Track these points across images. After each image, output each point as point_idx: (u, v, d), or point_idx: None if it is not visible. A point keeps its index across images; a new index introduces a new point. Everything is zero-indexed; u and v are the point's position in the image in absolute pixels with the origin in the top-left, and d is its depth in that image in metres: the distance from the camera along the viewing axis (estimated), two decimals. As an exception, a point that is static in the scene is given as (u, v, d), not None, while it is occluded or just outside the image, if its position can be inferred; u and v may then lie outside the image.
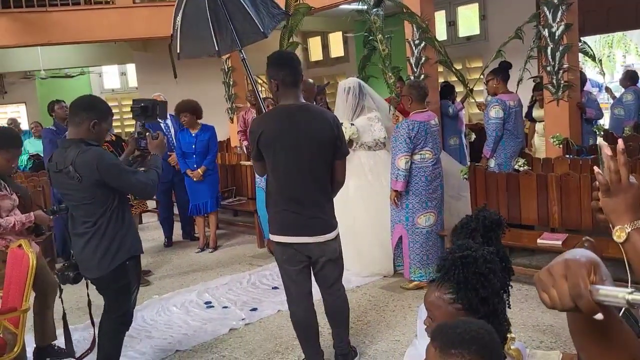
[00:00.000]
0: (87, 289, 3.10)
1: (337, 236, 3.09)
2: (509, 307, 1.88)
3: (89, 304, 3.17)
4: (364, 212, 4.90)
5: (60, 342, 4.06)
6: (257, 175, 5.29)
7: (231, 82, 9.26)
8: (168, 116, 6.18)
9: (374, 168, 5.04)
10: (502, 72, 5.30)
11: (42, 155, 7.05)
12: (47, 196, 6.00)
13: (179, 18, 3.65)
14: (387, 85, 5.41)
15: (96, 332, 3.15)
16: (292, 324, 3.18)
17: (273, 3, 3.81)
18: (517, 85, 5.54)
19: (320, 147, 2.91)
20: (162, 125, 6.16)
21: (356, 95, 5.04)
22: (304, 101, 3.05)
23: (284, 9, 3.85)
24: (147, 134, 3.17)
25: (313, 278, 3.15)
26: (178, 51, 3.71)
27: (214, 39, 3.62)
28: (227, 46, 3.75)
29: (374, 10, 5.33)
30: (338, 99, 5.21)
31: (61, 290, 3.14)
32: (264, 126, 2.91)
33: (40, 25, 8.98)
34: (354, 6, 5.53)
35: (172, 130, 6.07)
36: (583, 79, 6.38)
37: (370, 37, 5.40)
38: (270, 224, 3.07)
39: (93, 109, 2.88)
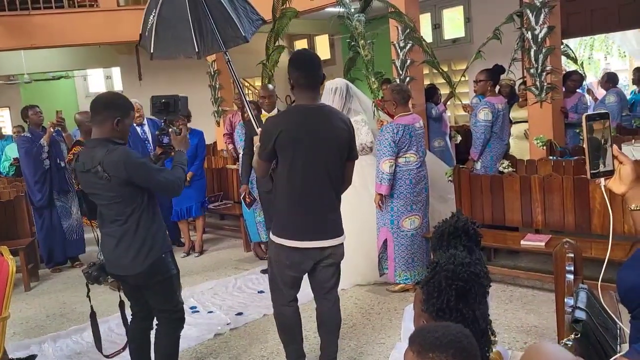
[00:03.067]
0: (120, 290, 3.07)
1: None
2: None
3: (122, 304, 3.13)
4: (349, 221, 4.71)
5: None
6: (253, 181, 5.22)
7: (217, 86, 9.24)
8: (145, 120, 6.08)
9: (360, 174, 4.84)
10: (494, 75, 5.33)
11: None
12: (28, 203, 5.94)
13: (152, 17, 3.58)
14: (370, 90, 5.41)
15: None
16: (279, 325, 3.12)
17: (252, 8, 3.77)
18: (498, 88, 5.57)
19: (337, 148, 2.90)
20: (138, 129, 6.04)
21: (343, 96, 4.99)
22: (321, 102, 3.01)
23: (262, 16, 3.83)
24: (169, 130, 3.12)
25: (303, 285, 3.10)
26: (151, 51, 3.65)
27: (194, 40, 3.57)
28: (208, 48, 3.71)
29: (356, 15, 5.33)
30: (324, 100, 5.14)
31: (88, 289, 3.05)
32: (284, 125, 2.85)
33: (24, 29, 8.90)
34: (340, 9, 5.52)
35: (149, 136, 5.97)
36: (579, 80, 6.42)
37: (353, 43, 5.41)
38: (280, 227, 2.96)
39: (115, 106, 2.82)
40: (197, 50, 3.59)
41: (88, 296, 3.07)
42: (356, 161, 4.96)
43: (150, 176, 2.80)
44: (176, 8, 3.56)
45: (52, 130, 5.85)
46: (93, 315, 3.16)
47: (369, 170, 4.78)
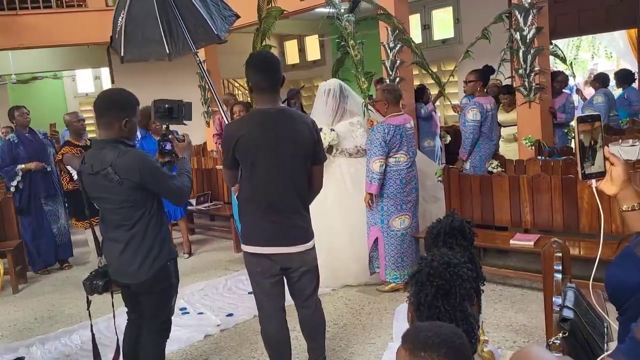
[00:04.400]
0: (112, 298, 2.95)
1: (314, 245, 2.98)
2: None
3: (113, 314, 3.01)
4: (341, 222, 4.77)
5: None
6: None
7: (207, 86, 9.20)
8: None
9: (354, 176, 4.88)
10: (484, 75, 5.35)
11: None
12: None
13: (121, 19, 3.50)
14: (360, 90, 5.41)
15: (120, 342, 3.04)
16: (264, 342, 3.04)
17: (224, 4, 3.69)
18: (486, 89, 5.59)
19: (300, 152, 2.80)
20: None
21: (337, 97, 4.94)
22: (282, 105, 2.93)
23: (235, 12, 3.75)
24: (170, 136, 3.02)
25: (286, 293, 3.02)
26: (122, 54, 3.55)
27: (165, 41, 3.47)
28: (178, 49, 3.62)
29: (345, 16, 5.33)
30: (317, 101, 5.10)
31: (89, 303, 2.89)
32: (242, 131, 2.76)
33: (11, 29, 8.83)
34: (329, 9, 5.51)
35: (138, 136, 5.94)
36: (564, 81, 6.47)
37: (342, 43, 5.41)
38: (245, 234, 2.91)
39: (120, 106, 2.72)
40: (168, 51, 3.52)
41: (88, 310, 2.90)
42: (350, 163, 5.03)
43: (163, 181, 2.72)
44: (144, 8, 3.47)
45: (32, 168, 5.79)
46: (92, 329, 3.02)
47: (364, 172, 4.72)
